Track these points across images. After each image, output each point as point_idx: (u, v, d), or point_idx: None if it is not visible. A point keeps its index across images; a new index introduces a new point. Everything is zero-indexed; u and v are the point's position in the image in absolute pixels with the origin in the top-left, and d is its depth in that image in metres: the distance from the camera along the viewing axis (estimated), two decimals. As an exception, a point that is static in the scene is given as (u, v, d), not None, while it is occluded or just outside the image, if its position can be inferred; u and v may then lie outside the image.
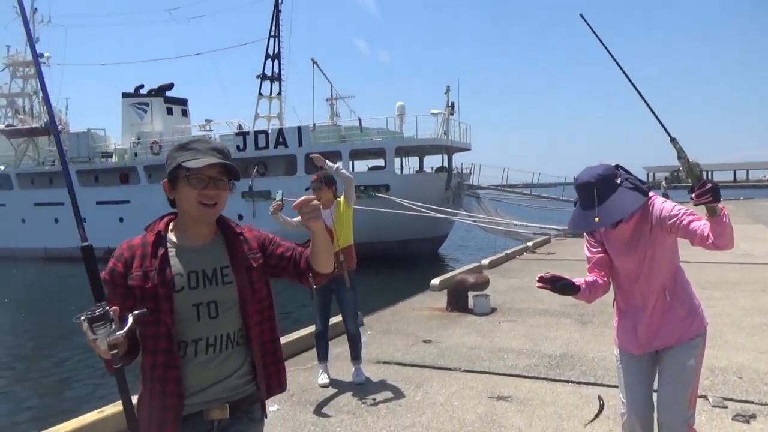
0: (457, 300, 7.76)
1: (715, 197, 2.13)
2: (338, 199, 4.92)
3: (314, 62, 26.74)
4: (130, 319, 1.61)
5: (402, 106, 24.74)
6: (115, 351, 1.57)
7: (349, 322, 4.96)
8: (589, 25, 2.49)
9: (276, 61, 29.19)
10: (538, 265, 11.74)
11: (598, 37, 2.49)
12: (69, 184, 1.71)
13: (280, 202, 4.55)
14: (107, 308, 1.56)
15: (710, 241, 2.28)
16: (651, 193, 2.56)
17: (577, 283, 2.55)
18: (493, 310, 7.60)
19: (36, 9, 35.02)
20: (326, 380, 4.88)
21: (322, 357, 4.98)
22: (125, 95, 31.16)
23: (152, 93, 31.67)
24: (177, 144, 1.87)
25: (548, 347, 5.82)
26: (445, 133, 24.02)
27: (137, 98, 31.10)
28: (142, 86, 32.08)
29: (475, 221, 21.85)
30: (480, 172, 25.84)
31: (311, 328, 5.33)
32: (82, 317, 1.53)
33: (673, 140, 2.35)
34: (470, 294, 7.81)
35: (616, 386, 4.56)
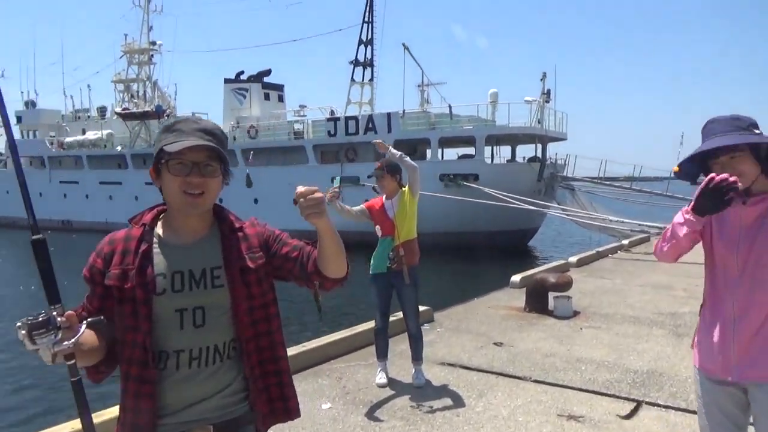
0: (536, 300, 7.25)
1: None
2: (403, 188, 4.63)
3: (406, 48, 26.50)
4: (83, 327, 1.41)
5: (495, 93, 23.92)
6: (71, 362, 1.38)
7: (409, 320, 4.68)
8: None
9: (369, 47, 29.29)
10: (633, 266, 10.84)
11: None
12: (18, 172, 1.50)
13: (337, 190, 4.41)
14: (52, 314, 1.36)
15: None
16: None
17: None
18: (576, 313, 7.02)
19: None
20: (384, 380, 4.65)
21: (381, 355, 4.75)
22: (227, 81, 32.61)
23: (251, 79, 32.91)
24: (163, 124, 1.65)
25: (634, 361, 5.23)
26: (539, 122, 23.01)
27: (237, 84, 32.46)
28: (242, 72, 33.46)
29: (568, 215, 20.74)
30: (576, 163, 24.57)
31: (373, 323, 5.11)
32: (19, 324, 1.33)
33: None
34: (551, 294, 7.27)
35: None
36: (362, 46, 29.35)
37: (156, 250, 1.59)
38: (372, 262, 4.64)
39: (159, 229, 1.63)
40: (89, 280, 1.60)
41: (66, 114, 40.07)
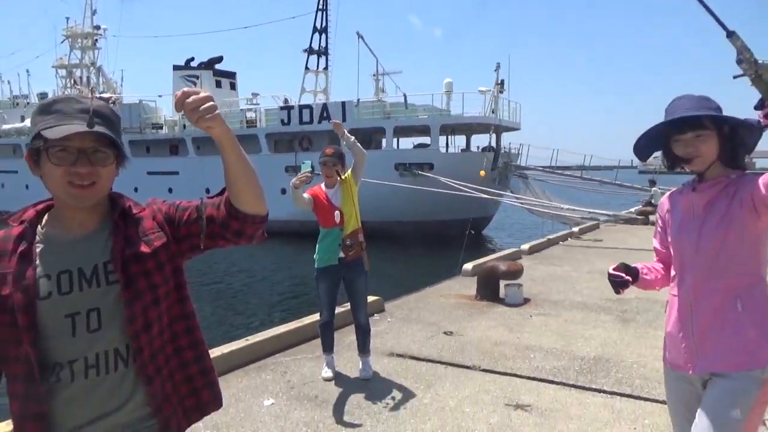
0: (488, 288, 7.24)
1: None
2: (343, 176, 4.45)
3: (360, 36, 26.16)
4: None
5: (450, 83, 23.97)
6: None
7: (359, 312, 4.53)
8: None
9: (323, 35, 28.87)
10: (582, 253, 11.03)
11: None
12: None
13: (309, 174, 4.05)
14: None
15: None
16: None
17: (639, 273, 2.16)
18: (526, 300, 7.05)
19: (94, -19, 35.87)
20: (330, 374, 4.50)
21: (328, 348, 4.59)
22: (176, 68, 31.52)
23: (202, 66, 31.94)
24: (40, 104, 1.40)
25: (581, 348, 5.26)
26: (493, 112, 23.15)
27: (187, 71, 31.41)
28: (192, 59, 32.43)
29: (521, 203, 21.01)
30: (529, 152, 24.92)
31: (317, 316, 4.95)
32: None
33: (731, 35, 1.76)
34: (502, 282, 7.27)
35: (656, 400, 4.01)
36: (316, 34, 28.93)
37: (39, 249, 1.38)
38: (318, 255, 4.44)
39: (44, 227, 1.42)
40: None
41: (2, 100, 38.04)
